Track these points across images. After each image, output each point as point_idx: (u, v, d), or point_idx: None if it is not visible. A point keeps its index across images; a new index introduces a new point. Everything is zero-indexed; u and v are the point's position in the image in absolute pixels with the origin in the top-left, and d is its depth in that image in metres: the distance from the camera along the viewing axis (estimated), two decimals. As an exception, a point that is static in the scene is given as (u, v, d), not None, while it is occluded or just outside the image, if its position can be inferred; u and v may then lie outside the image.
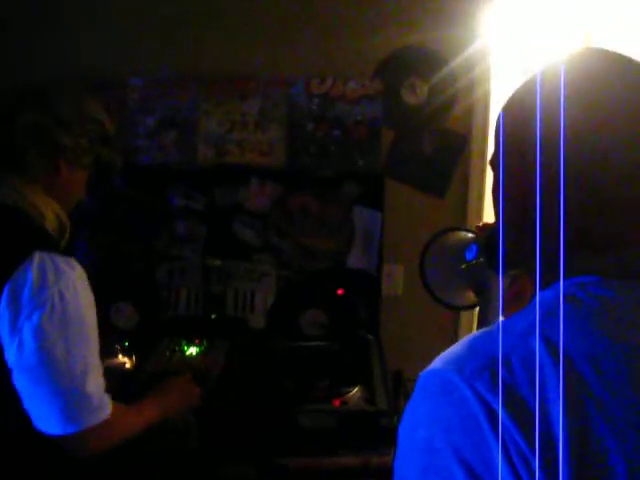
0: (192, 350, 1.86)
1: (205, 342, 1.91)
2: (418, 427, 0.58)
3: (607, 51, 0.64)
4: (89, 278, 1.25)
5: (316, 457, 1.53)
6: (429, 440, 0.56)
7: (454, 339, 2.18)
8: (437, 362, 0.61)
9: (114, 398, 1.27)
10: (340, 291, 2.06)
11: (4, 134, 1.23)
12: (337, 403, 1.63)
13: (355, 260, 2.09)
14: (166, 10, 2.01)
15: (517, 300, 0.98)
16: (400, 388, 2.02)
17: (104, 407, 1.20)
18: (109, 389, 1.28)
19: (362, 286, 2.08)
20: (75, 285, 1.16)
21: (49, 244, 1.19)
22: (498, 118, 0.72)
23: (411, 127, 2.06)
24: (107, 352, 1.85)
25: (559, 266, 0.62)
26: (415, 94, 2.04)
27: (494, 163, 0.74)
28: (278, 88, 2.04)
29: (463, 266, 1.03)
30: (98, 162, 1.35)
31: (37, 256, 1.12)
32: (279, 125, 2.06)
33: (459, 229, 1.17)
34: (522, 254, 0.70)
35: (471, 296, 1.11)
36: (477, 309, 1.06)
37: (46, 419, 1.15)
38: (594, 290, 0.61)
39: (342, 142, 2.06)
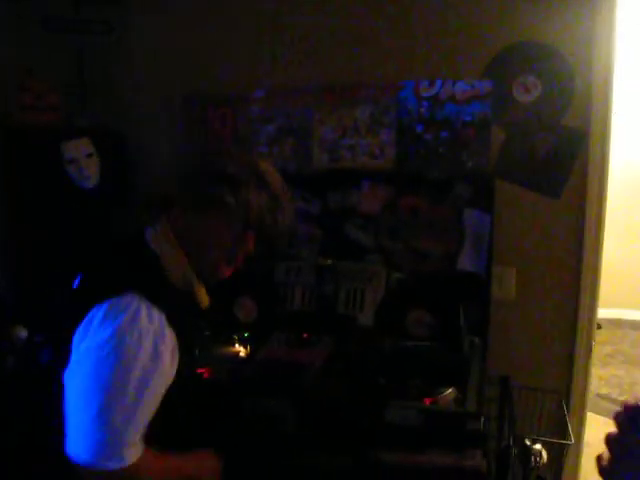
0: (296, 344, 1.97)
1: (312, 338, 2.01)
2: None
3: None
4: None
5: (407, 453, 1.56)
6: None
7: (570, 351, 2.04)
8: None
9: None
10: (448, 294, 2.04)
11: None
12: (427, 402, 1.64)
13: (464, 262, 2.06)
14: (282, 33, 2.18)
15: None
16: (506, 394, 1.95)
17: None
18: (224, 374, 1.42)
19: (471, 289, 2.05)
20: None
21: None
22: None
23: (524, 126, 1.99)
24: (226, 342, 2.05)
25: None
26: (528, 91, 1.97)
27: None
28: (388, 93, 2.09)
29: None
30: None
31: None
32: (389, 129, 2.11)
33: None
34: None
35: None
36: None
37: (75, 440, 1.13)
38: None
39: (450, 144, 2.05)
